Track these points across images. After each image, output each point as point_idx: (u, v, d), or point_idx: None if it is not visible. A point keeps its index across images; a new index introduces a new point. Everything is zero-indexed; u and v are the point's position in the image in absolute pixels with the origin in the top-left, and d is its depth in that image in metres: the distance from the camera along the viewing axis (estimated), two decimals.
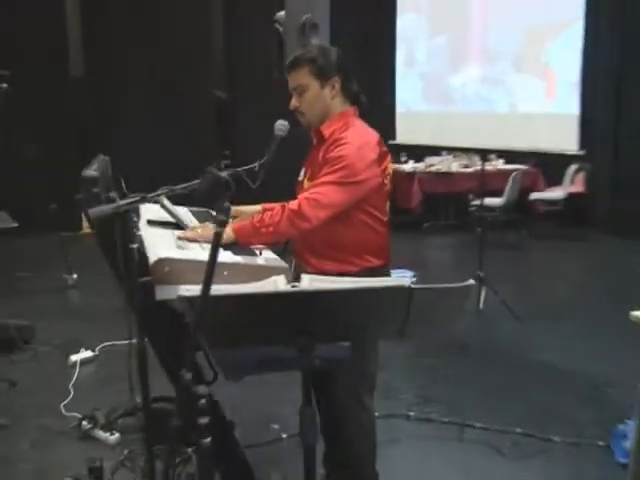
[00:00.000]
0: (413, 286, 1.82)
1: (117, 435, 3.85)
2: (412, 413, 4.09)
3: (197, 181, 2.18)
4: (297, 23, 4.47)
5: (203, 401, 1.76)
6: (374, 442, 2.98)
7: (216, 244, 1.80)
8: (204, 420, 1.78)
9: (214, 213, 3.07)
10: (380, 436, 3.12)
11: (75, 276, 6.83)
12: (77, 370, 4.75)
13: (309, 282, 2.01)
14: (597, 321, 5.61)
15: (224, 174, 1.92)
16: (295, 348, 1.94)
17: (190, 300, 1.84)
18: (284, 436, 3.82)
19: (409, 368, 4.83)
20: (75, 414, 4.05)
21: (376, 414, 3.07)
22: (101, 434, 3.88)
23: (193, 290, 1.86)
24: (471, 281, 1.88)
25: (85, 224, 9.45)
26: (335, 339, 2.12)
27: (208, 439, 1.80)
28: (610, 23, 9.11)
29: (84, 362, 4.90)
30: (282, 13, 4.57)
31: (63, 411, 4.15)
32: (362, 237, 2.73)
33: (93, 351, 5.05)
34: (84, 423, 3.94)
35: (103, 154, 3.09)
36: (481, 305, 5.86)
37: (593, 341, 5.28)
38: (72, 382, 4.56)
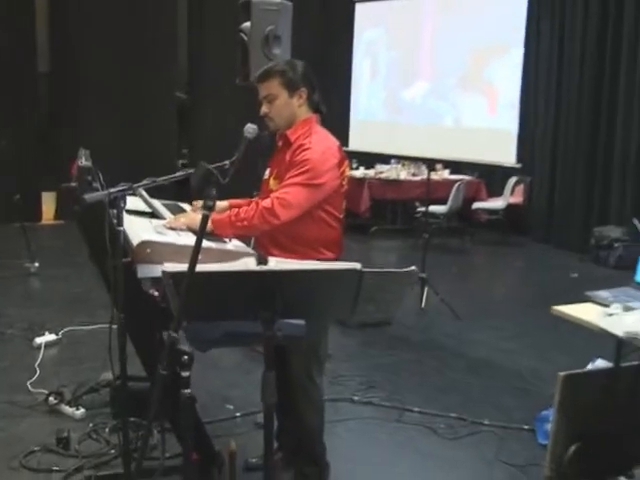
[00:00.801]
0: (363, 269, 2.17)
1: (82, 410, 4.08)
2: (356, 397, 4.44)
3: (179, 174, 2.51)
4: (261, 34, 4.79)
5: (185, 357, 2.07)
6: (322, 417, 3.33)
7: (204, 225, 2.11)
8: (186, 373, 2.09)
9: (182, 206, 3.42)
10: (328, 417, 3.48)
11: (37, 264, 7.03)
12: (42, 352, 4.97)
13: (275, 263, 2.35)
14: (527, 320, 6.04)
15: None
16: (259, 322, 2.26)
17: (172, 275, 2.16)
18: (238, 414, 4.14)
19: (355, 359, 5.15)
20: (42, 391, 4.27)
21: (324, 397, 3.39)
22: (67, 409, 4.10)
23: (175, 267, 2.19)
24: (413, 267, 2.24)
25: (45, 215, 9.67)
26: (295, 315, 2.46)
27: (189, 390, 2.12)
28: (550, 46, 9.63)
29: (48, 345, 5.11)
30: (247, 24, 4.88)
31: (30, 388, 4.36)
32: (321, 232, 3.08)
33: (56, 334, 5.26)
34: (51, 399, 4.15)
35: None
36: (423, 304, 6.25)
37: (523, 338, 5.70)
38: (38, 362, 4.78)
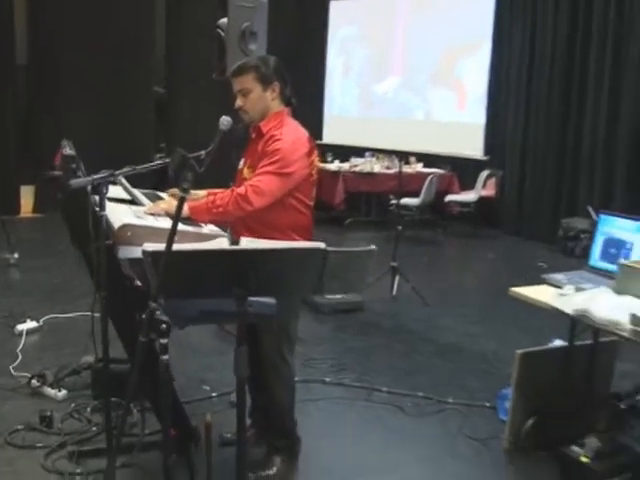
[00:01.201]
0: (328, 248, 2.36)
1: (64, 392, 4.22)
2: (327, 379, 4.63)
3: (157, 162, 2.69)
4: (238, 30, 4.94)
5: (164, 325, 2.24)
6: (293, 394, 3.52)
7: (181, 204, 2.28)
8: (164, 340, 2.27)
9: (160, 194, 3.59)
10: (300, 397, 3.69)
11: (16, 255, 7.15)
12: (24, 338, 5.10)
13: (247, 243, 2.54)
14: (494, 307, 6.26)
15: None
16: (232, 299, 2.43)
17: (152, 254, 2.34)
18: (214, 394, 4.33)
19: (327, 343, 5.35)
20: (24, 374, 4.39)
21: (296, 379, 3.59)
22: (50, 391, 4.23)
23: (154, 246, 2.36)
24: (372, 247, 2.44)
25: (24, 208, 9.77)
26: (266, 293, 2.65)
27: (167, 356, 2.30)
28: (521, 42, 9.87)
29: (30, 332, 5.23)
30: (224, 20, 5.04)
31: (13, 372, 4.49)
32: (291, 218, 3.27)
33: (37, 322, 5.39)
34: (33, 381, 4.27)
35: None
36: (394, 292, 6.48)
37: (488, 323, 5.94)
38: (19, 348, 4.90)
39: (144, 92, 10.38)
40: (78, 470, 3.41)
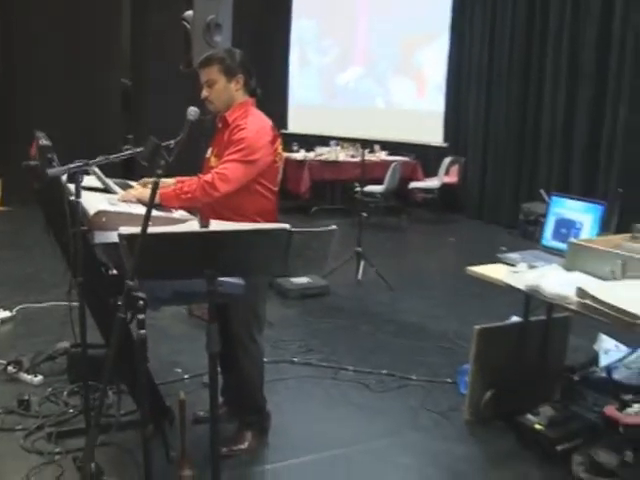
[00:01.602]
0: (292, 229, 2.52)
1: (40, 377, 4.32)
2: (296, 359, 4.80)
3: (130, 151, 2.84)
4: (203, 23, 5.07)
5: (141, 302, 2.39)
6: (262, 371, 3.68)
7: (155, 190, 2.43)
8: (141, 316, 2.42)
9: (131, 183, 3.72)
10: (269, 376, 3.87)
11: None
12: None
13: (216, 226, 2.70)
14: (456, 289, 6.48)
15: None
16: (204, 279, 2.58)
17: (127, 237, 2.48)
18: (186, 376, 4.48)
19: (294, 326, 5.51)
20: (0, 361, 4.48)
21: (266, 360, 3.76)
22: (26, 377, 4.32)
23: (129, 229, 2.51)
24: (333, 226, 2.60)
25: None
26: (235, 274, 2.80)
27: (144, 330, 2.45)
28: (482, 31, 10.07)
29: (3, 321, 5.33)
30: (190, 12, 5.16)
31: None
32: (257, 204, 3.43)
33: (11, 312, 5.47)
34: (10, 368, 4.37)
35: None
36: (359, 276, 6.67)
37: (450, 304, 6.16)
38: None
39: (111, 84, 10.40)
40: (57, 450, 3.52)
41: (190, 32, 5.11)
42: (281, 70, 9.17)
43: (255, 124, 3.37)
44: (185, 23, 5.17)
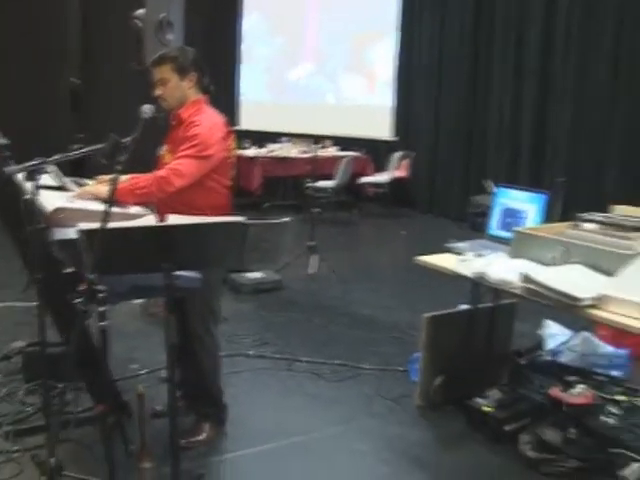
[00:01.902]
0: (248, 221, 2.61)
1: None
2: (251, 352, 4.88)
3: (88, 149, 2.89)
4: (155, 20, 5.09)
5: (102, 295, 2.46)
6: (218, 363, 3.76)
7: (114, 185, 2.49)
8: (103, 308, 2.49)
9: (87, 181, 3.76)
10: (225, 370, 3.93)
11: None
12: None
13: (173, 220, 2.76)
14: (406, 280, 6.62)
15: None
16: (161, 272, 2.64)
17: (86, 232, 2.53)
18: (143, 371, 4.52)
19: (249, 320, 5.58)
20: None
21: (221, 353, 3.82)
22: None
23: (88, 225, 2.56)
24: (287, 218, 2.69)
25: None
26: (193, 267, 2.87)
27: (106, 322, 2.52)
28: (431, 28, 10.25)
29: None
30: (141, 11, 5.17)
31: None
32: (211, 198, 3.50)
33: None
34: None
35: None
36: (312, 270, 6.77)
37: (401, 296, 6.30)
38: None
39: (59, 83, 10.33)
40: (15, 448, 3.52)
41: (142, 30, 5.13)
42: (231, 67, 9.21)
43: (208, 120, 3.44)
44: (136, 21, 5.18)
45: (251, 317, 5.70)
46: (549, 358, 4.36)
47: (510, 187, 4.21)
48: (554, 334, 4.60)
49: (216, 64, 8.78)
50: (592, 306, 3.01)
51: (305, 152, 10.60)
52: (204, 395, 3.76)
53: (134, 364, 4.61)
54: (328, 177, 9.67)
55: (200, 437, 3.68)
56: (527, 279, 3.21)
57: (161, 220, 2.93)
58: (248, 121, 8.52)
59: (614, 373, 4.27)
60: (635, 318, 2.89)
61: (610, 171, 8.22)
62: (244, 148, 10.41)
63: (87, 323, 3.25)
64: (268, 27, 8.47)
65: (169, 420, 2.78)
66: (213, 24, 11.45)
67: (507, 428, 3.64)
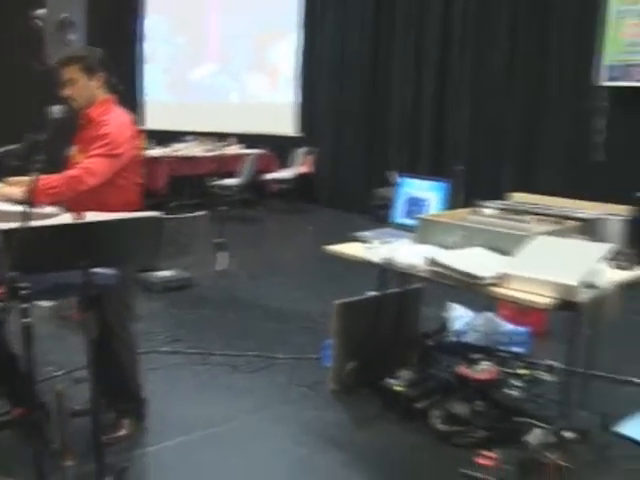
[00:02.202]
0: (165, 215, 2.68)
1: None
2: (164, 349, 4.92)
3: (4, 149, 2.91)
4: (56, 20, 5.05)
5: (24, 291, 2.48)
6: (135, 358, 3.82)
7: (33, 185, 2.53)
8: (26, 305, 2.51)
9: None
10: (141, 367, 3.96)
11: None
12: None
13: (90, 217, 2.81)
14: (314, 272, 6.83)
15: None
16: (78, 270, 2.69)
17: (4, 232, 2.56)
18: (59, 373, 4.50)
19: (161, 318, 5.60)
20: None
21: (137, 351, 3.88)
22: None
23: (5, 225, 2.59)
24: (203, 212, 2.77)
25: None
26: (110, 264, 2.92)
27: (29, 319, 2.54)
28: (334, 27, 10.44)
29: None
30: (42, 10, 5.13)
31: None
32: (123, 196, 3.55)
33: None
34: None
35: None
36: (221, 267, 6.84)
37: (310, 287, 6.45)
38: None
39: None
40: None
41: (43, 30, 5.09)
42: (134, 67, 9.16)
43: (117, 120, 3.50)
44: (37, 21, 5.14)
45: (163, 315, 5.73)
46: (454, 339, 4.57)
47: (413, 177, 4.39)
48: (458, 316, 4.82)
49: (119, 64, 8.71)
50: (493, 284, 3.21)
51: (210, 151, 10.65)
52: (123, 391, 3.79)
53: (49, 367, 4.59)
54: (233, 175, 9.74)
55: (121, 433, 3.71)
56: (432, 262, 3.39)
57: (78, 218, 2.97)
58: (153, 121, 8.51)
59: (516, 349, 4.51)
60: (533, 293, 3.10)
61: (507, 160, 8.61)
62: (149, 148, 10.35)
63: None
64: (170, 27, 8.48)
65: (91, 416, 2.83)
66: (114, 24, 11.34)
67: (418, 405, 3.82)
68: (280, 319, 5.60)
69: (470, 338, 4.57)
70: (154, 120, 8.52)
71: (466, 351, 4.17)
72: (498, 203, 4.19)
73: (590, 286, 3.09)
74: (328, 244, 4.10)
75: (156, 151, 10.44)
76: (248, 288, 6.47)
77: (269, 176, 10.64)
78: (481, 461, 3.41)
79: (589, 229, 3.76)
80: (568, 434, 3.42)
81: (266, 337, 5.18)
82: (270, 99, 7.58)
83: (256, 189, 10.69)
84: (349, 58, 10.37)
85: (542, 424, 3.54)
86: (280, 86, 7.48)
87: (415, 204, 4.24)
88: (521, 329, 4.73)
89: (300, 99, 7.23)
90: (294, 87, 7.22)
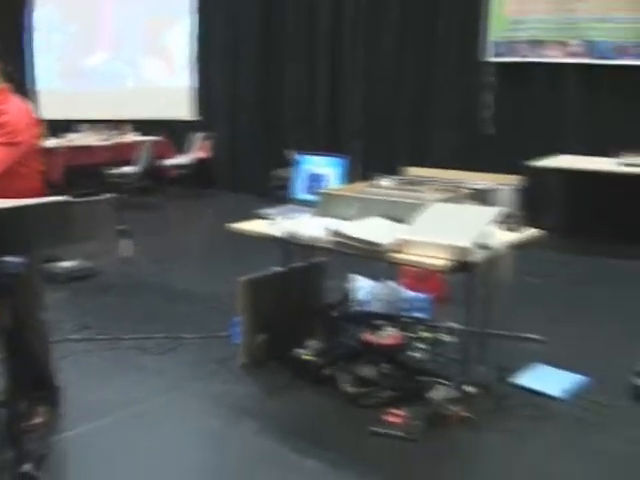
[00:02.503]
0: (71, 199, 2.72)
1: None
2: (74, 337, 4.90)
3: None
4: None
5: None
6: (48, 345, 3.83)
7: None
8: None
9: None
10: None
11: None
12: None
13: None
14: (218, 253, 6.95)
15: None
16: None
17: None
18: None
19: (67, 308, 5.54)
20: None
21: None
22: None
23: None
24: (108, 195, 2.83)
25: None
26: (18, 251, 2.92)
27: None
28: (226, 12, 10.46)
29: None
30: None
31: None
32: (25, 184, 3.53)
33: None
34: None
35: None
36: (124, 254, 6.82)
37: (215, 268, 6.53)
38: None
39: None
40: None
41: None
42: (26, 57, 8.97)
43: (16, 108, 3.48)
44: None
45: (69, 304, 5.67)
46: (359, 308, 4.75)
47: (311, 154, 4.53)
48: (361, 286, 4.99)
49: (10, 54, 8.55)
50: (392, 250, 3.38)
51: (105, 139, 10.52)
52: (37, 379, 3.80)
53: None
54: (130, 163, 9.67)
55: (37, 420, 3.71)
56: (334, 233, 3.53)
57: None
58: (47, 110, 8.36)
59: (417, 315, 4.72)
60: (429, 257, 3.29)
61: (401, 136, 8.87)
62: (47, 137, 10.14)
63: None
64: (62, 16, 8.34)
65: (9, 405, 2.85)
66: (5, 13, 11.05)
67: (326, 372, 3.97)
68: (187, 301, 5.66)
69: (373, 307, 4.76)
70: (48, 110, 8.37)
71: (370, 319, 4.34)
72: (394, 177, 4.37)
73: (482, 247, 3.30)
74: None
75: (51, 141, 10.25)
76: (153, 273, 6.50)
77: (167, 162, 10.59)
78: (390, 419, 3.59)
79: (481, 198, 3.98)
80: (469, 388, 3.65)
81: (174, 319, 5.22)
82: (166, 84, 7.58)
83: (154, 176, 10.61)
84: (242, 41, 10.37)
85: (444, 381, 3.76)
86: (176, 71, 7.48)
87: (315, 180, 4.37)
88: (421, 295, 4.95)
89: (196, 83, 7.25)
90: (190, 71, 7.23)
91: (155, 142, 10.36)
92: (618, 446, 3.46)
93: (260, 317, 4.31)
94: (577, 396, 3.95)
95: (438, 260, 3.26)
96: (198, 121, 10.69)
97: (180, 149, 10.93)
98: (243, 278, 4.30)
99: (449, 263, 3.25)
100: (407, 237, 3.37)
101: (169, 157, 10.73)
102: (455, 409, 3.56)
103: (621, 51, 7.54)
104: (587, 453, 3.43)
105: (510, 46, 8.19)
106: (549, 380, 4.06)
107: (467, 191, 3.98)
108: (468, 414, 3.57)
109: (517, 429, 3.60)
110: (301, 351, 4.08)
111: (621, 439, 3.52)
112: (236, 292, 4.36)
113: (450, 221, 3.42)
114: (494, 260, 3.57)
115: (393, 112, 8.99)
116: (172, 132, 10.84)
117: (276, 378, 4.16)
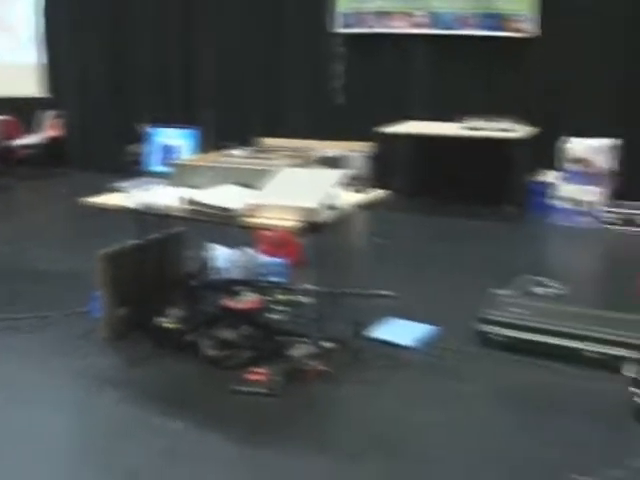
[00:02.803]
0: None
1: None
2: None
3: None
4: None
5: None
6: None
7: None
8: None
9: None
10: None
11: None
12: None
13: None
14: (74, 232, 6.96)
15: None
16: None
17: None
18: None
19: None
20: None
21: None
22: None
23: None
24: None
25: None
26: None
27: None
28: None
29: None
30: None
31: None
32: None
33: None
34: None
35: None
36: None
37: (72, 246, 6.45)
38: None
39: None
40: None
41: None
42: None
43: None
44: None
45: None
46: (217, 276, 4.86)
47: (164, 126, 4.59)
48: (219, 255, 5.10)
49: None
50: (245, 215, 3.51)
51: None
52: None
53: None
54: None
55: None
56: (188, 201, 3.63)
57: None
58: None
59: (275, 279, 4.87)
60: (280, 219, 3.44)
61: (255, 107, 8.98)
62: None
63: None
64: None
65: None
66: None
67: (188, 338, 4.07)
68: (46, 280, 5.58)
69: (232, 274, 4.88)
70: None
71: (229, 285, 4.46)
72: (247, 147, 4.50)
73: (329, 208, 3.48)
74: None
75: None
76: (9, 255, 6.34)
77: (15, 142, 10.28)
78: (251, 377, 3.73)
79: (332, 165, 4.17)
80: (326, 344, 3.85)
81: (34, 299, 5.13)
82: (11, 60, 7.35)
83: (2, 157, 10.27)
84: (90, 13, 10.07)
85: (303, 339, 3.94)
86: (22, 46, 7.26)
87: (168, 152, 4.45)
88: (278, 261, 5.11)
89: (44, 59, 7.04)
90: (37, 47, 7.04)
91: (2, 121, 10.03)
92: (471, 389, 3.74)
93: (120, 290, 4.35)
94: (429, 345, 4.24)
95: (288, 222, 3.42)
96: (48, 98, 10.42)
97: (30, 128, 10.62)
98: (100, 252, 4.31)
99: (298, 224, 3.41)
100: (258, 201, 3.51)
101: (18, 137, 10.40)
102: (314, 364, 3.74)
103: (462, 22, 7.93)
104: (442, 398, 3.68)
105: (358, 17, 8.44)
106: (402, 332, 4.32)
107: (317, 157, 4.16)
108: (326, 368, 3.76)
109: (373, 380, 3.83)
110: (162, 320, 4.16)
111: (472, 382, 3.81)
112: (94, 267, 4.37)
113: (298, 185, 3.58)
114: (343, 221, 3.76)
115: (246, 83, 9.09)
116: (21, 110, 10.49)
117: (139, 348, 4.21)
